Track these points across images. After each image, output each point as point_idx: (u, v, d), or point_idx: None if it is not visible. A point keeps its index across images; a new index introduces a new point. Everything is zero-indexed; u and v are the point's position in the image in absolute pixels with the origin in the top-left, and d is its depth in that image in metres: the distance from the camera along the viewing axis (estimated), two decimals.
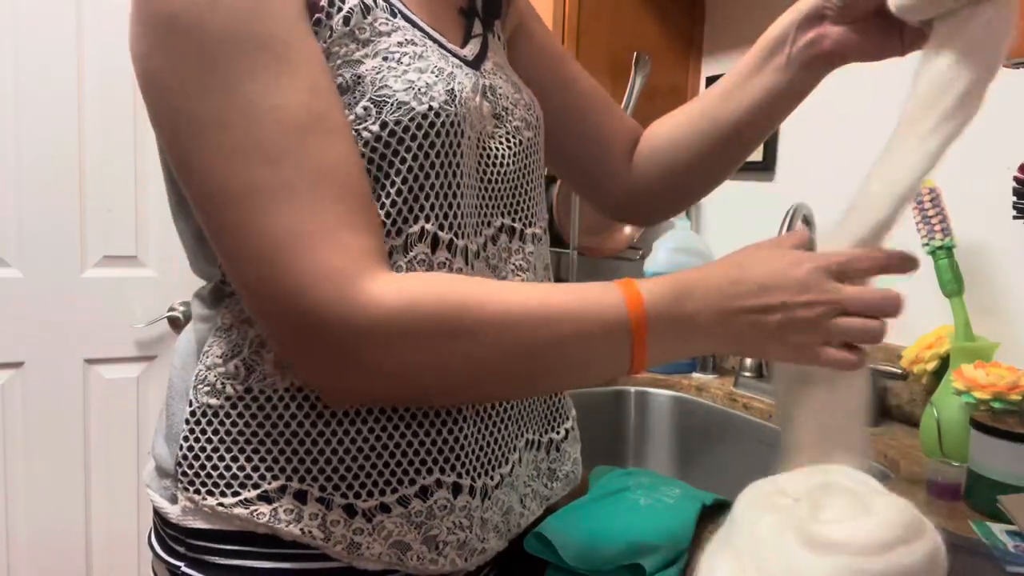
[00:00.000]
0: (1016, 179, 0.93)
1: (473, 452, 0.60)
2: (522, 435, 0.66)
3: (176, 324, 1.69)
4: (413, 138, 0.54)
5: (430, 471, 0.57)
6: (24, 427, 1.59)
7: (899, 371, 1.09)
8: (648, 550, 0.65)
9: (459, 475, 0.58)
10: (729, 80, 0.74)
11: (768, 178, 1.43)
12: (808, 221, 1.20)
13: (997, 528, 0.73)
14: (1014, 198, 0.93)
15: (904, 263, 0.55)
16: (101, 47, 1.57)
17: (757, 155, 1.42)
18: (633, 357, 0.54)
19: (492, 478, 0.61)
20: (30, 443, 1.60)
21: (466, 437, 0.59)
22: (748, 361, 1.35)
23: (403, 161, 0.54)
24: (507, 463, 0.63)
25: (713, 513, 0.77)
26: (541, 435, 0.70)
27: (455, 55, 0.62)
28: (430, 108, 0.54)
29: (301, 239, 0.48)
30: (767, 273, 0.53)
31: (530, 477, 0.68)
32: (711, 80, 1.54)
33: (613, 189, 0.84)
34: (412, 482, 0.57)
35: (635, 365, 0.54)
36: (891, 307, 0.53)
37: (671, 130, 0.80)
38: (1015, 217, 0.93)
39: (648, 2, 1.52)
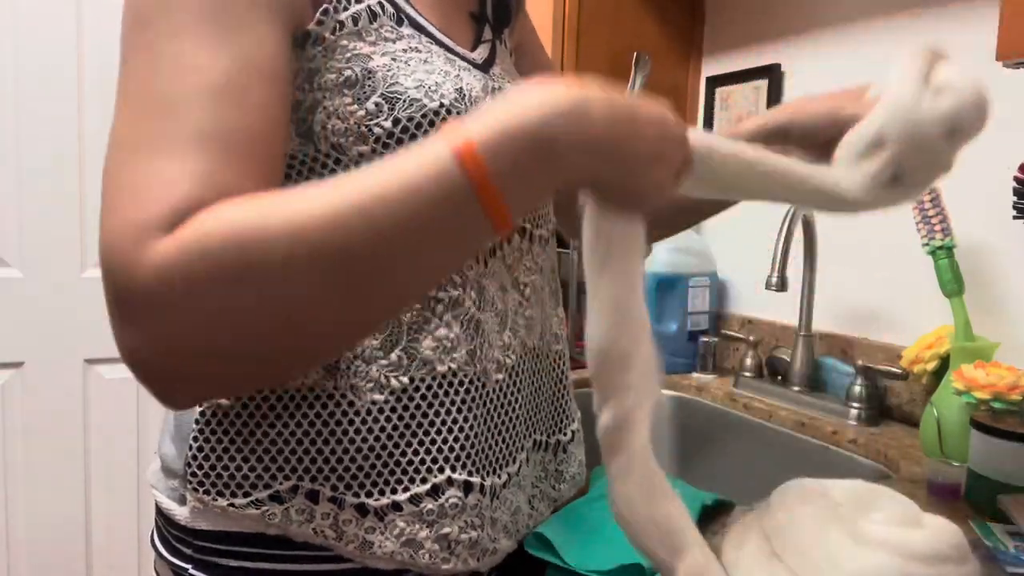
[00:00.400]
0: (1016, 179, 0.93)
1: (482, 450, 0.60)
2: (530, 435, 0.66)
3: None
4: (425, 134, 0.54)
5: (441, 469, 0.57)
6: (24, 427, 1.59)
7: (899, 371, 1.09)
8: None
9: (469, 473, 0.58)
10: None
11: None
12: (808, 222, 1.20)
13: (997, 528, 0.73)
14: (1014, 198, 0.93)
15: None
16: (101, 47, 1.57)
17: None
18: (487, 207, 0.41)
19: (500, 477, 0.61)
20: (30, 443, 1.60)
21: (476, 435, 0.59)
22: (748, 361, 1.35)
23: None
24: (514, 462, 0.63)
25: (713, 513, 0.77)
26: (548, 436, 0.70)
27: (464, 58, 0.62)
28: (441, 105, 0.55)
29: (134, 191, 0.42)
30: (644, 104, 0.45)
31: (537, 478, 0.68)
32: (711, 80, 1.54)
33: (571, 216, 0.83)
34: (424, 480, 0.57)
35: (496, 217, 0.42)
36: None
37: None
38: (1015, 217, 0.93)
39: (648, 2, 1.52)
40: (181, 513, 0.59)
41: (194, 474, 0.57)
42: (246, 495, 0.56)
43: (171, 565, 0.60)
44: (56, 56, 1.54)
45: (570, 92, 0.42)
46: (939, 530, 0.48)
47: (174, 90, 0.45)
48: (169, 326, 0.41)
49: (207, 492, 0.57)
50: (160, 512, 0.62)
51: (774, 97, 1.39)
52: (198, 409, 0.58)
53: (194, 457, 0.57)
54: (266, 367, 0.45)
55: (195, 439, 0.58)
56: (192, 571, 0.58)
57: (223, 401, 0.57)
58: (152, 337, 0.41)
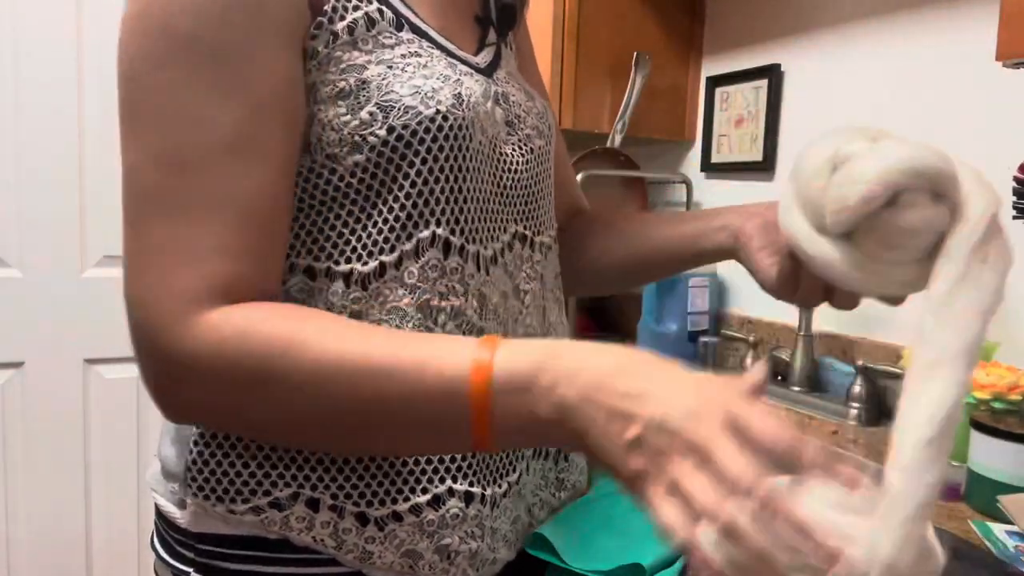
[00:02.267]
0: (1016, 179, 0.93)
1: (483, 460, 0.59)
2: None
3: None
4: (421, 142, 0.54)
5: (442, 480, 0.57)
6: (24, 427, 1.59)
7: (899, 371, 1.09)
8: (648, 550, 0.65)
9: (471, 483, 0.58)
10: (664, 232, 0.75)
11: (768, 178, 1.43)
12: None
13: (997, 528, 0.73)
14: (1014, 198, 0.93)
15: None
16: (101, 47, 1.57)
17: (757, 155, 1.42)
18: (472, 430, 0.44)
19: (500, 486, 0.61)
20: (30, 443, 1.60)
21: None
22: (748, 361, 1.35)
23: (411, 165, 0.54)
24: (515, 471, 0.63)
25: None
26: None
27: (466, 62, 0.61)
28: (437, 112, 0.54)
29: (168, 253, 0.48)
30: (653, 388, 0.40)
31: (538, 487, 0.67)
32: (711, 80, 1.54)
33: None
34: (424, 491, 0.57)
35: (475, 441, 0.45)
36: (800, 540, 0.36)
37: (601, 255, 0.79)
38: (1015, 217, 0.93)
39: (648, 2, 1.52)
40: (182, 516, 0.59)
41: (194, 478, 0.57)
42: (245, 501, 0.56)
43: (172, 568, 0.60)
44: (56, 56, 1.54)
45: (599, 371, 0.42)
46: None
47: (190, 146, 0.48)
48: (184, 391, 0.49)
49: (207, 497, 0.56)
50: (160, 515, 0.62)
51: (774, 97, 1.39)
52: None
53: (194, 462, 0.57)
54: (255, 438, 0.55)
55: (195, 443, 0.57)
56: (194, 574, 0.58)
57: None
58: (175, 391, 0.50)
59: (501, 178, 0.61)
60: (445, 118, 0.54)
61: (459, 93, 0.56)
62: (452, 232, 0.56)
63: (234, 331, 0.47)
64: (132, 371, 1.69)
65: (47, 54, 1.54)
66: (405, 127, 0.53)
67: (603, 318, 1.76)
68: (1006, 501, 0.74)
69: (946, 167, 0.45)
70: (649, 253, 0.75)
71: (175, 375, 0.49)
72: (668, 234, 0.74)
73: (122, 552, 1.71)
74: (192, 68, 0.48)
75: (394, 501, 0.56)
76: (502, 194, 0.61)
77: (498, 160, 0.61)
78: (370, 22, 0.54)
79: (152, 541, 0.64)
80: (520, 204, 0.63)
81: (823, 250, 0.49)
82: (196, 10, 0.48)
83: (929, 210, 0.45)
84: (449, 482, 0.57)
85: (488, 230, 0.59)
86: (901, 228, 0.45)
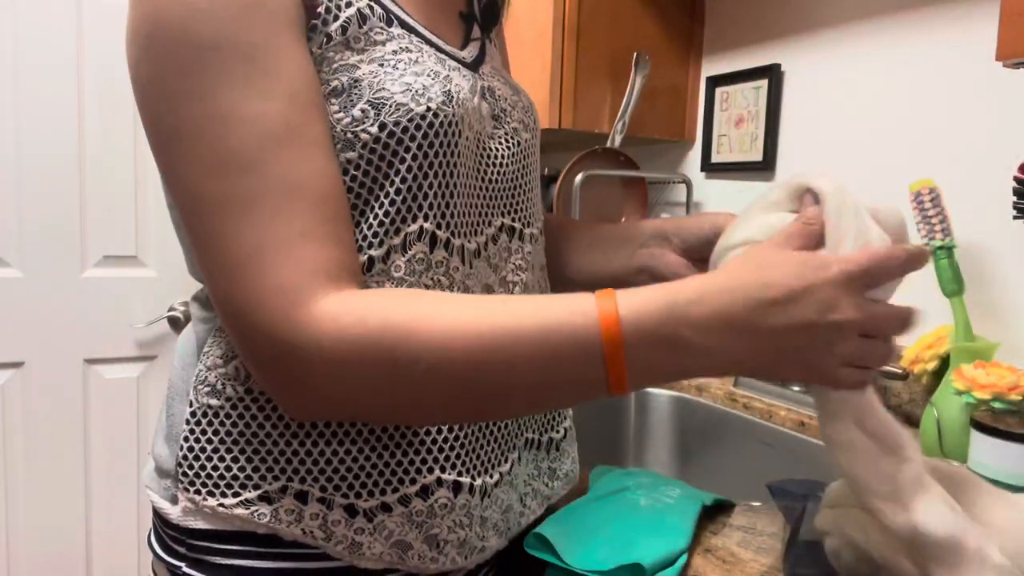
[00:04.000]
0: (1016, 179, 0.92)
1: (473, 451, 0.60)
2: (522, 434, 0.66)
3: (176, 324, 1.69)
4: (412, 139, 0.54)
5: (431, 470, 0.57)
6: (24, 427, 1.59)
7: (899, 371, 1.09)
8: (648, 550, 0.65)
9: (459, 473, 0.58)
10: (598, 264, 0.78)
11: (768, 178, 1.43)
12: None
13: None
14: (1014, 198, 0.93)
15: (918, 258, 0.50)
16: (101, 47, 1.58)
17: (757, 155, 1.42)
18: (610, 382, 0.48)
19: (491, 476, 0.61)
20: (30, 443, 1.60)
21: (466, 436, 0.59)
22: None
23: (402, 161, 0.54)
24: (506, 461, 0.63)
25: (713, 513, 0.77)
26: (541, 434, 0.70)
27: (453, 57, 0.62)
28: (428, 109, 0.55)
29: (259, 254, 0.48)
30: (786, 283, 0.47)
31: (530, 476, 0.68)
32: (711, 80, 1.54)
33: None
34: (413, 481, 0.57)
35: (613, 390, 0.48)
36: (907, 326, 0.49)
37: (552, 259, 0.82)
38: (1015, 217, 0.93)
39: (648, 2, 1.52)
40: (174, 512, 0.59)
41: (184, 474, 0.58)
42: (235, 495, 0.56)
43: (166, 564, 0.61)
44: (56, 56, 1.54)
45: (734, 287, 0.47)
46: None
47: (243, 146, 0.48)
48: (313, 384, 0.49)
49: (198, 492, 0.57)
50: (155, 512, 0.63)
51: (774, 97, 1.39)
52: (188, 410, 0.58)
53: (184, 457, 0.58)
54: (388, 423, 0.56)
55: (185, 439, 0.58)
56: (186, 569, 0.59)
57: (213, 401, 0.57)
58: (302, 385, 0.49)
59: (487, 172, 0.62)
60: (436, 115, 0.55)
61: (449, 90, 0.57)
62: (439, 226, 0.57)
63: (353, 319, 0.47)
64: (132, 371, 1.70)
65: (47, 54, 1.54)
66: (396, 124, 0.54)
67: None
68: None
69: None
70: (585, 280, 0.78)
71: (301, 370, 0.48)
72: (600, 267, 0.77)
73: (122, 552, 1.71)
74: (224, 71, 0.48)
75: (383, 492, 0.57)
76: (488, 188, 0.62)
77: (484, 154, 0.62)
78: (362, 18, 0.55)
79: (149, 539, 0.65)
80: (507, 197, 0.64)
81: None
82: (213, 16, 0.48)
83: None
84: (438, 472, 0.58)
85: (473, 224, 0.60)
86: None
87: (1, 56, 1.50)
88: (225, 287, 0.49)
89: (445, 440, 0.58)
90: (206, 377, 0.58)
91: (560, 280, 0.80)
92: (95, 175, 1.60)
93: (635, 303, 0.47)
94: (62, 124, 1.56)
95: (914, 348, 1.06)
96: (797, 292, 0.46)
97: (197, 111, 0.48)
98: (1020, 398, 0.86)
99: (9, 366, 1.58)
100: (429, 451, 0.57)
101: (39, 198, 1.56)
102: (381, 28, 0.56)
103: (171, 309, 1.69)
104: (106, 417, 1.67)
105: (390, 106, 0.54)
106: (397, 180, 0.55)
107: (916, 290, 1.18)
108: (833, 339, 0.47)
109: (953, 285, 1.00)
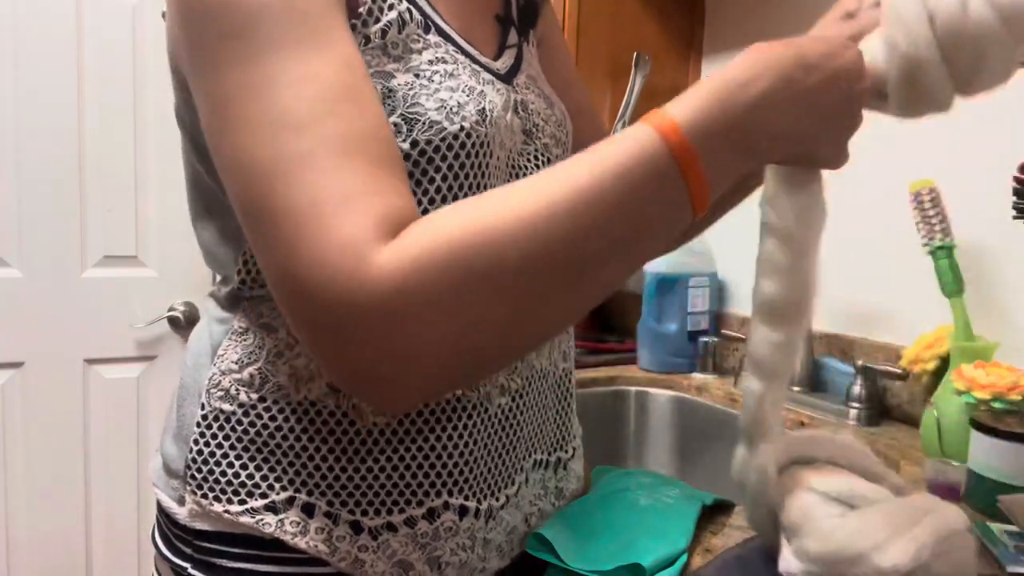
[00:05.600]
0: (1016, 179, 0.92)
1: (481, 475, 0.60)
2: (531, 455, 0.66)
3: (176, 324, 1.69)
4: (443, 158, 0.53)
5: (439, 493, 0.57)
6: (24, 427, 1.59)
7: (899, 371, 1.09)
8: (648, 550, 0.65)
9: (466, 497, 0.58)
10: None
11: None
12: None
13: (997, 528, 0.73)
14: (1014, 198, 0.93)
15: None
16: (101, 47, 1.58)
17: None
18: (692, 194, 0.45)
19: (498, 499, 0.61)
20: (30, 443, 1.60)
21: (476, 461, 0.59)
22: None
23: (431, 181, 0.54)
24: (513, 484, 0.63)
25: (713, 513, 0.77)
26: (549, 454, 0.70)
27: (488, 69, 0.61)
28: (461, 128, 0.54)
29: (319, 212, 0.43)
30: (822, 44, 0.49)
31: (536, 496, 0.68)
32: None
33: None
34: (420, 503, 0.57)
35: (695, 202, 0.45)
36: None
37: None
38: (1015, 217, 0.93)
39: (648, 2, 1.52)
40: (181, 513, 0.59)
41: (193, 476, 0.57)
42: (242, 502, 0.56)
43: (171, 563, 0.60)
44: (56, 56, 1.54)
45: (769, 58, 0.47)
46: None
47: (298, 105, 0.44)
48: (413, 337, 0.41)
49: (205, 496, 0.57)
50: (161, 510, 0.63)
51: None
52: (200, 412, 0.58)
53: (194, 460, 0.57)
54: (502, 359, 0.47)
55: (196, 441, 0.58)
56: (191, 570, 0.58)
57: (225, 406, 0.57)
58: (392, 350, 0.42)
59: None
60: (468, 135, 0.54)
61: (483, 108, 0.55)
62: None
63: (419, 250, 0.42)
64: (132, 371, 1.69)
65: (47, 53, 1.53)
66: (428, 143, 0.53)
67: (603, 317, 1.76)
68: (1006, 501, 0.74)
69: None
70: None
71: (383, 336, 0.41)
72: None
73: (122, 552, 1.71)
74: (276, 32, 0.46)
75: (389, 512, 0.56)
76: None
77: (513, 172, 0.61)
78: (401, 23, 0.54)
79: (153, 535, 0.65)
80: None
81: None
82: None
83: None
84: (445, 496, 0.57)
85: None
86: None
87: (1, 55, 1.50)
88: (283, 256, 0.43)
89: (455, 464, 0.58)
90: (220, 381, 0.58)
91: None
92: (95, 175, 1.60)
93: (686, 109, 0.45)
94: (62, 124, 1.56)
95: (914, 348, 1.06)
96: (829, 52, 0.48)
97: (251, 73, 0.45)
98: (1020, 398, 0.86)
99: (9, 366, 1.58)
100: (439, 475, 0.57)
101: (39, 198, 1.56)
102: (418, 35, 0.55)
103: (171, 309, 1.69)
104: (106, 417, 1.67)
105: (423, 123, 0.52)
106: (425, 200, 0.54)
107: (916, 290, 1.18)
108: (854, 94, 0.50)
109: (953, 285, 1.00)
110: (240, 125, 0.45)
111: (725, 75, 0.46)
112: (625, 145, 0.44)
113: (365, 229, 0.42)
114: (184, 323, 1.69)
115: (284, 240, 0.43)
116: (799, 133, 0.48)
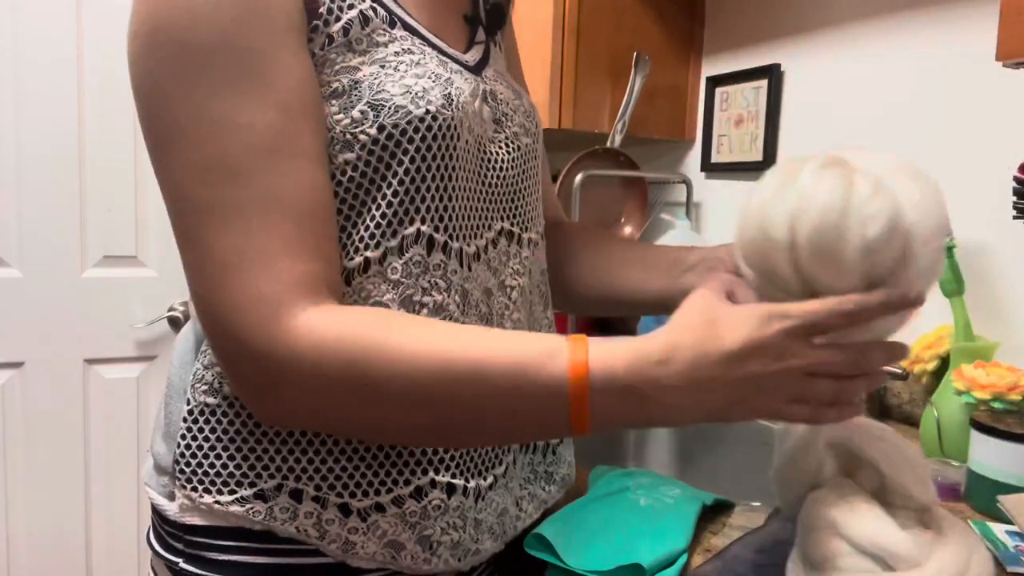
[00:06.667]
0: (1016, 179, 0.92)
1: (467, 453, 0.60)
2: None
3: (176, 324, 1.69)
4: (411, 141, 0.54)
5: (425, 471, 0.58)
6: (24, 427, 1.59)
7: (899, 371, 1.09)
8: (648, 550, 0.65)
9: (453, 475, 0.59)
10: (634, 279, 0.75)
11: None
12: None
13: (997, 528, 0.73)
14: (1014, 198, 0.93)
15: (894, 305, 0.49)
16: (101, 47, 1.58)
17: (757, 155, 1.42)
18: (572, 425, 0.49)
19: (485, 479, 0.61)
20: (30, 443, 1.60)
21: None
22: None
23: (400, 164, 0.54)
24: (501, 464, 0.63)
25: (713, 513, 0.77)
26: None
27: (456, 60, 0.62)
28: (427, 112, 0.55)
29: (240, 261, 0.48)
30: (739, 340, 0.47)
31: (526, 480, 0.68)
32: (711, 80, 1.54)
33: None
34: (407, 482, 0.57)
35: (575, 432, 0.49)
36: (857, 367, 0.49)
37: (573, 281, 0.79)
38: (1015, 217, 0.93)
39: (648, 2, 1.52)
40: (171, 509, 0.60)
41: (182, 471, 0.58)
42: (231, 492, 0.57)
43: (165, 560, 0.61)
44: (56, 56, 1.54)
45: (695, 348, 0.48)
46: None
47: (233, 154, 0.48)
48: (287, 396, 0.50)
49: (195, 489, 0.57)
50: (154, 509, 0.63)
51: (774, 97, 1.39)
52: (186, 408, 0.58)
53: (182, 455, 0.58)
54: (354, 436, 0.56)
55: (183, 437, 0.58)
56: (183, 565, 0.59)
57: (210, 400, 0.58)
58: (271, 390, 0.50)
59: (487, 176, 0.62)
60: (435, 118, 0.55)
61: (449, 93, 0.57)
62: (436, 229, 0.57)
63: (330, 335, 0.48)
64: (132, 371, 1.70)
65: (47, 54, 1.54)
66: (395, 126, 0.54)
67: (603, 317, 1.76)
68: (1006, 501, 0.74)
69: None
70: (618, 297, 0.76)
71: (275, 378, 0.49)
72: (637, 285, 0.74)
73: (122, 552, 1.71)
74: (220, 78, 0.48)
75: (377, 492, 0.57)
76: (487, 191, 0.62)
77: (484, 158, 0.62)
78: (364, 20, 0.55)
79: (148, 536, 0.65)
80: (506, 201, 0.64)
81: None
82: (212, 20, 0.48)
83: None
84: (432, 474, 0.58)
85: (472, 227, 0.60)
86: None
87: (1, 56, 1.50)
88: (205, 292, 0.50)
89: None
90: (203, 375, 0.58)
91: (568, 290, 0.78)
92: (95, 175, 1.60)
93: (606, 357, 0.48)
94: (62, 124, 1.56)
95: (914, 348, 1.06)
96: (751, 347, 0.47)
97: (192, 116, 0.48)
98: (1020, 398, 0.86)
99: (9, 366, 1.58)
100: (424, 453, 0.58)
101: (39, 198, 1.56)
102: (384, 30, 0.56)
103: (171, 309, 1.69)
104: (106, 417, 1.67)
105: (389, 108, 0.54)
106: (395, 182, 0.55)
107: None
108: (780, 383, 0.48)
109: (953, 285, 1.00)
110: (181, 163, 0.49)
111: (651, 345, 0.48)
112: (537, 348, 0.49)
113: (279, 291, 0.48)
114: (184, 323, 1.69)
115: (207, 275, 0.49)
116: (699, 410, 0.49)
